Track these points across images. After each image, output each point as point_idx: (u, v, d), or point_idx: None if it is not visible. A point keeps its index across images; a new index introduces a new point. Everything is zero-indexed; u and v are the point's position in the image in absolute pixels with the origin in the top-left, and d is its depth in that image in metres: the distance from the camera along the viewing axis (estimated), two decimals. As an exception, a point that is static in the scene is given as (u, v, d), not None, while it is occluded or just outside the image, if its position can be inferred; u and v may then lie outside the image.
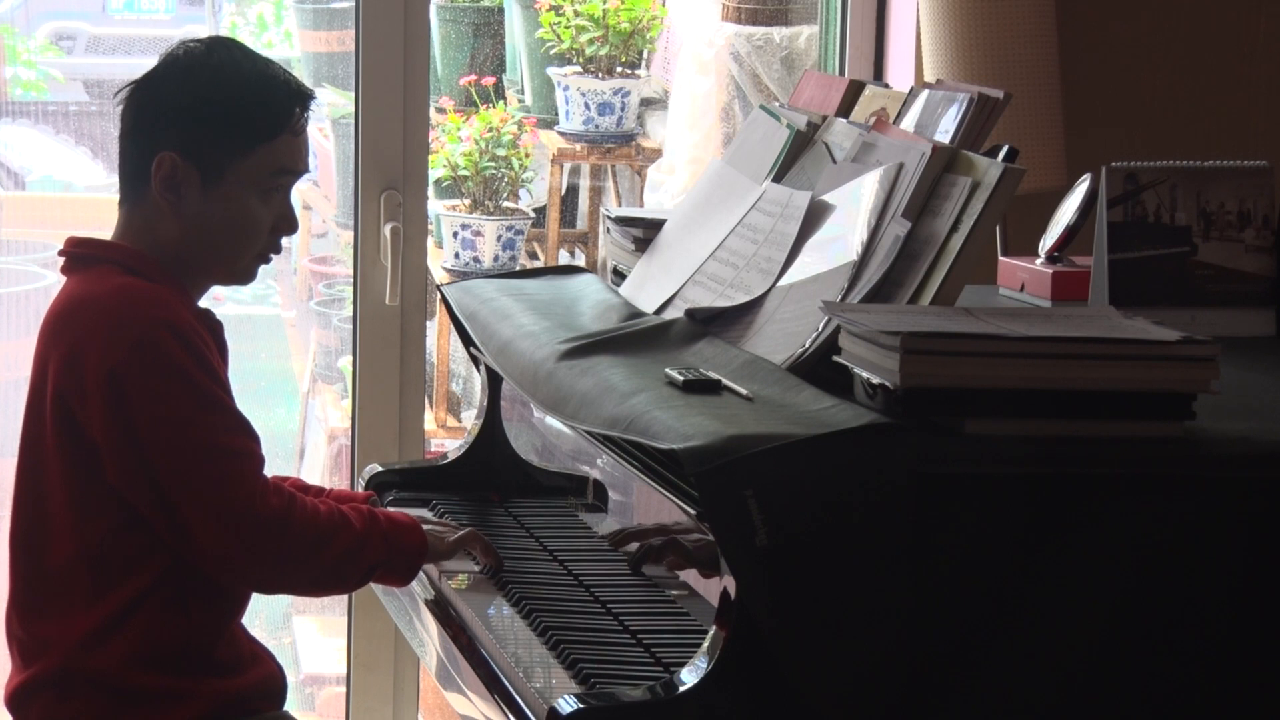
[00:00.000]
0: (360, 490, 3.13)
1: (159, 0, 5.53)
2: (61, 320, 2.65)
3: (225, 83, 2.68)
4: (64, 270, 2.73)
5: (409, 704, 4.00)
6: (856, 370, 2.32)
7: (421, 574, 2.79)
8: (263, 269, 2.78)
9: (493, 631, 2.59)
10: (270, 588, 2.73)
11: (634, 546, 2.79)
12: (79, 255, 2.71)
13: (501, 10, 5.13)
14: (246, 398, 2.65)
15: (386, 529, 2.69)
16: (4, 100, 5.09)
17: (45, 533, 2.66)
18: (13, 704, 2.69)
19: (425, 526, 2.75)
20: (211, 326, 2.70)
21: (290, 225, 2.73)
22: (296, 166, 2.72)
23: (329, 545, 2.62)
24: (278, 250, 2.76)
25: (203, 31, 5.37)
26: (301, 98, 2.71)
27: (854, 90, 2.96)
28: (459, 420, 4.89)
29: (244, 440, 2.61)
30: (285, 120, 2.68)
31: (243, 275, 2.75)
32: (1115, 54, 4.04)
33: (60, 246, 2.74)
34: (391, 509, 2.83)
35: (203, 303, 2.75)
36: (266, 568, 2.61)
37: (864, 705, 2.16)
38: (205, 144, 2.66)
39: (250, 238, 2.71)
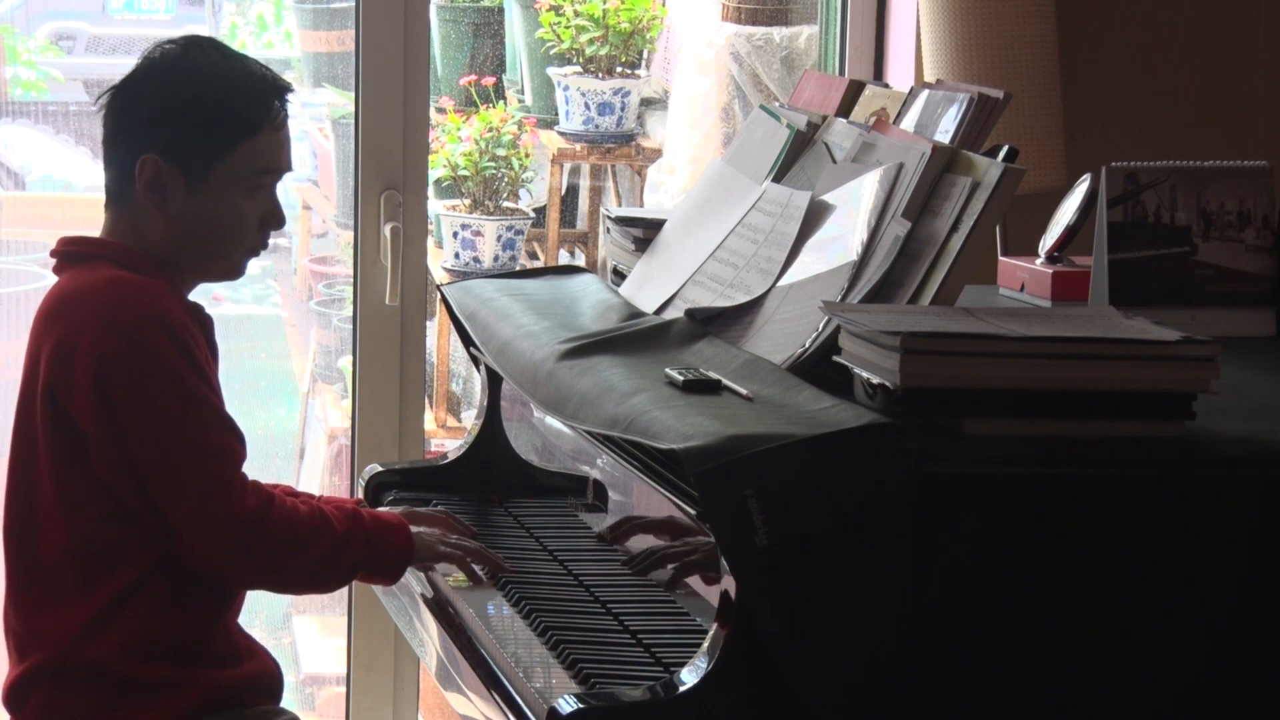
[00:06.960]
0: (354, 497, 3.12)
1: (159, 0, 5.52)
2: (54, 312, 2.66)
3: (202, 83, 2.67)
4: (56, 270, 2.73)
5: (409, 704, 4.00)
6: (856, 370, 2.31)
7: (421, 574, 2.80)
8: (263, 270, 2.78)
9: (493, 631, 2.59)
10: (252, 585, 2.74)
11: (633, 540, 2.79)
12: (71, 253, 2.72)
13: (501, 10, 5.13)
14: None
15: (370, 529, 2.68)
16: (4, 100, 5.09)
17: (37, 525, 2.66)
18: (10, 696, 2.70)
19: (416, 529, 2.74)
20: (202, 322, 2.70)
21: (277, 220, 2.73)
22: (279, 164, 2.72)
23: (308, 546, 2.63)
24: (265, 245, 2.76)
25: (203, 32, 5.37)
26: (279, 90, 2.70)
27: (854, 90, 2.96)
28: (459, 420, 4.89)
29: (225, 438, 2.61)
30: (264, 116, 2.68)
31: (232, 271, 2.76)
32: (1115, 54, 4.04)
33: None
34: (381, 509, 2.81)
35: (202, 304, 2.75)
36: (245, 566, 2.62)
37: (863, 706, 2.16)
38: (186, 146, 2.66)
39: (237, 235, 2.71)
